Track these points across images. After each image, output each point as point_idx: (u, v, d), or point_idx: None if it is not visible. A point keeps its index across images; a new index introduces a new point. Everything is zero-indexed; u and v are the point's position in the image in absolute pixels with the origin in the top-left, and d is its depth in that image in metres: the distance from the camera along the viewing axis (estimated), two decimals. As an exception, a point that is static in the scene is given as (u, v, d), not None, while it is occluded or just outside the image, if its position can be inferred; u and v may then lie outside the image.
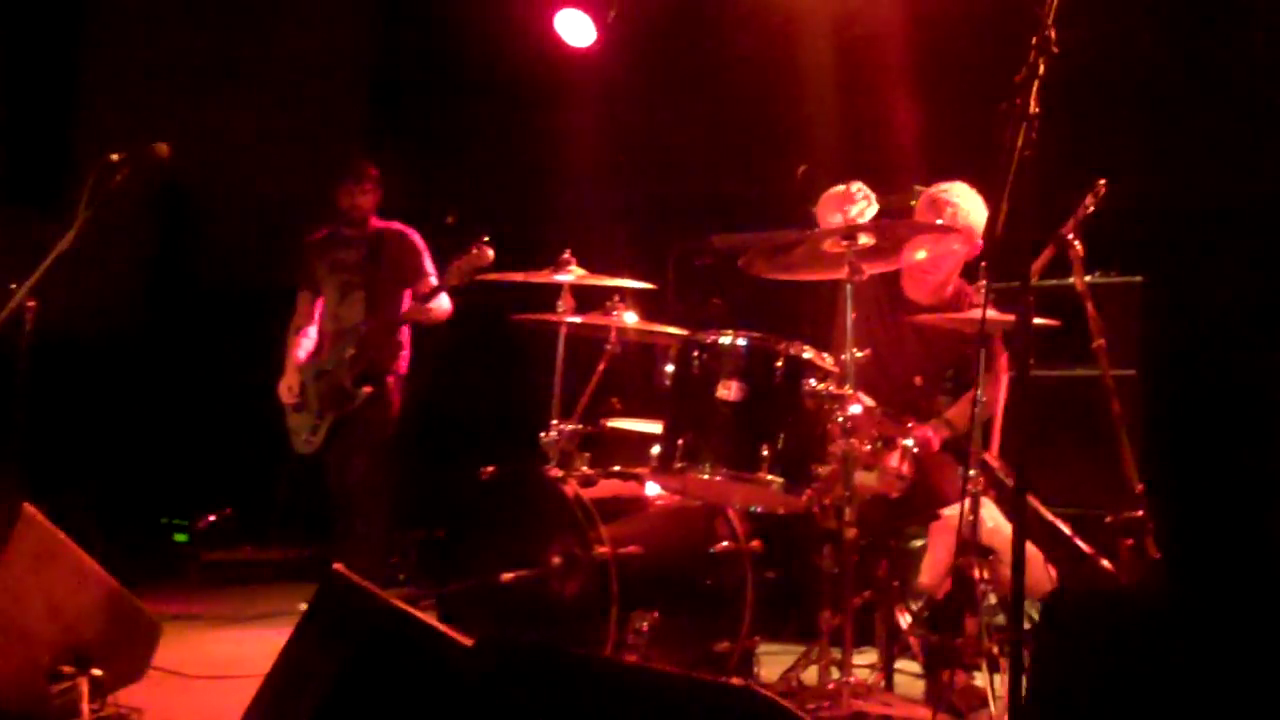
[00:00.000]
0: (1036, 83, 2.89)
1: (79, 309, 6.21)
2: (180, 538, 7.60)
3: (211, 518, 7.50)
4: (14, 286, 4.43)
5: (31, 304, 4.41)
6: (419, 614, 2.43)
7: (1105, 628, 2.55)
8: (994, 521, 4.20)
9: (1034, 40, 2.89)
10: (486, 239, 5.59)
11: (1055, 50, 2.89)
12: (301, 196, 7.11)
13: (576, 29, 7.47)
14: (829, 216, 4.59)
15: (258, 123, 8.36)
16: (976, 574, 3.96)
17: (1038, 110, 2.89)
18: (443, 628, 2.36)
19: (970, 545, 3.94)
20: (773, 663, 4.62)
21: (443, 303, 6.08)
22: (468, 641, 2.21)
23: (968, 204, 4.66)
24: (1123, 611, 2.64)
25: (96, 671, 3.53)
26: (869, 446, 4.03)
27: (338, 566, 2.77)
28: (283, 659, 2.70)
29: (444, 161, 8.06)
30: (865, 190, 4.52)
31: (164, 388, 8.02)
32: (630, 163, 7.55)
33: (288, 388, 6.14)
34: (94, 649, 3.63)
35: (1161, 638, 2.57)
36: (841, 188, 4.49)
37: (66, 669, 3.57)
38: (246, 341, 7.03)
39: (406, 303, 6.14)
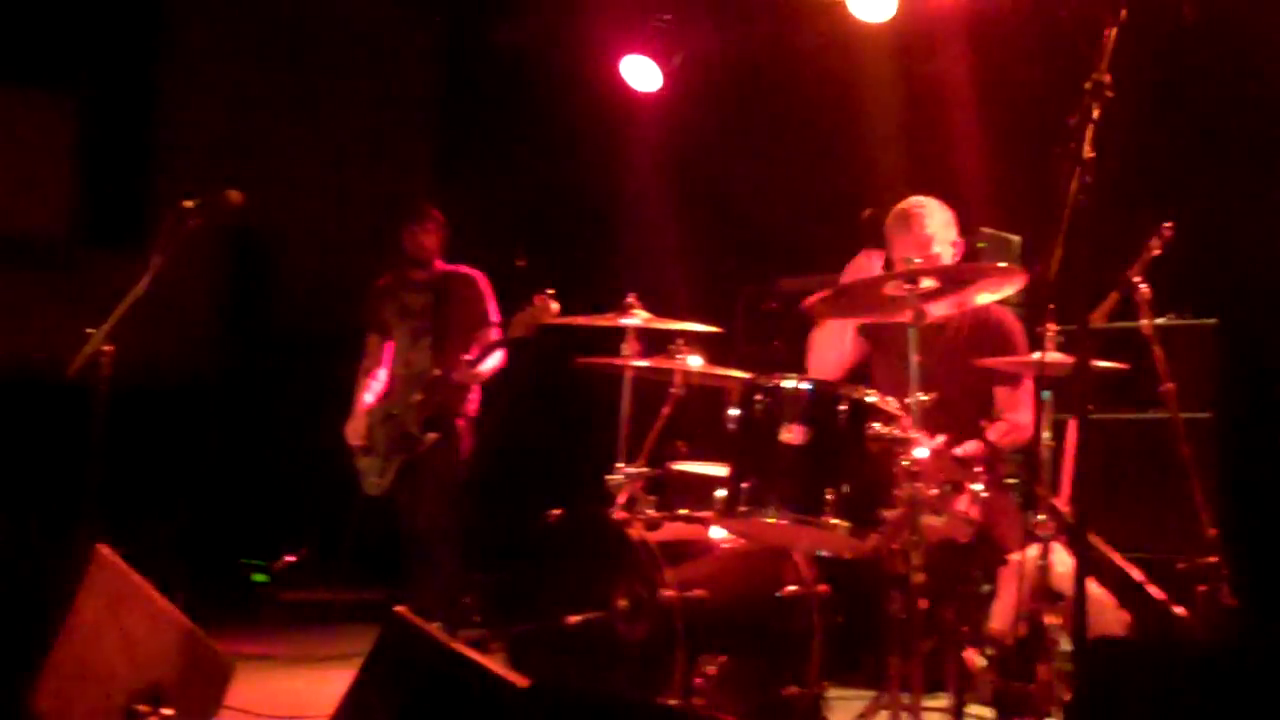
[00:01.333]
0: (1090, 126, 2.88)
1: (155, 353, 6.32)
2: (259, 578, 7.70)
3: (289, 558, 7.58)
4: (90, 331, 4.50)
5: (108, 349, 4.47)
6: (477, 656, 2.45)
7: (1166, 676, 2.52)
8: (1065, 567, 4.14)
9: (1087, 84, 2.88)
10: (551, 291, 5.61)
11: (1109, 94, 2.89)
12: (372, 239, 7.21)
13: (642, 74, 7.55)
14: (897, 238, 4.63)
15: (329, 167, 8.52)
16: (1048, 619, 3.92)
17: (1092, 154, 2.88)
18: (500, 671, 2.38)
19: (1041, 590, 3.91)
20: (843, 708, 4.58)
21: (492, 360, 6.07)
22: (522, 683, 2.23)
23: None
24: (1185, 660, 2.60)
25: (167, 711, 3.57)
26: (935, 490, 4.00)
27: (399, 609, 2.80)
28: (346, 701, 2.73)
29: (511, 205, 8.15)
30: (921, 203, 4.57)
31: (243, 430, 8.15)
32: (696, 207, 7.59)
33: (354, 431, 6.20)
34: (167, 688, 3.68)
35: (1232, 687, 2.53)
36: (903, 205, 4.55)
37: (141, 708, 3.62)
38: (322, 383, 7.12)
39: (474, 347, 6.16)
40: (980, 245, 6.11)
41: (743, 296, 6.97)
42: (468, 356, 6.01)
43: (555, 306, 5.59)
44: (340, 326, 7.07)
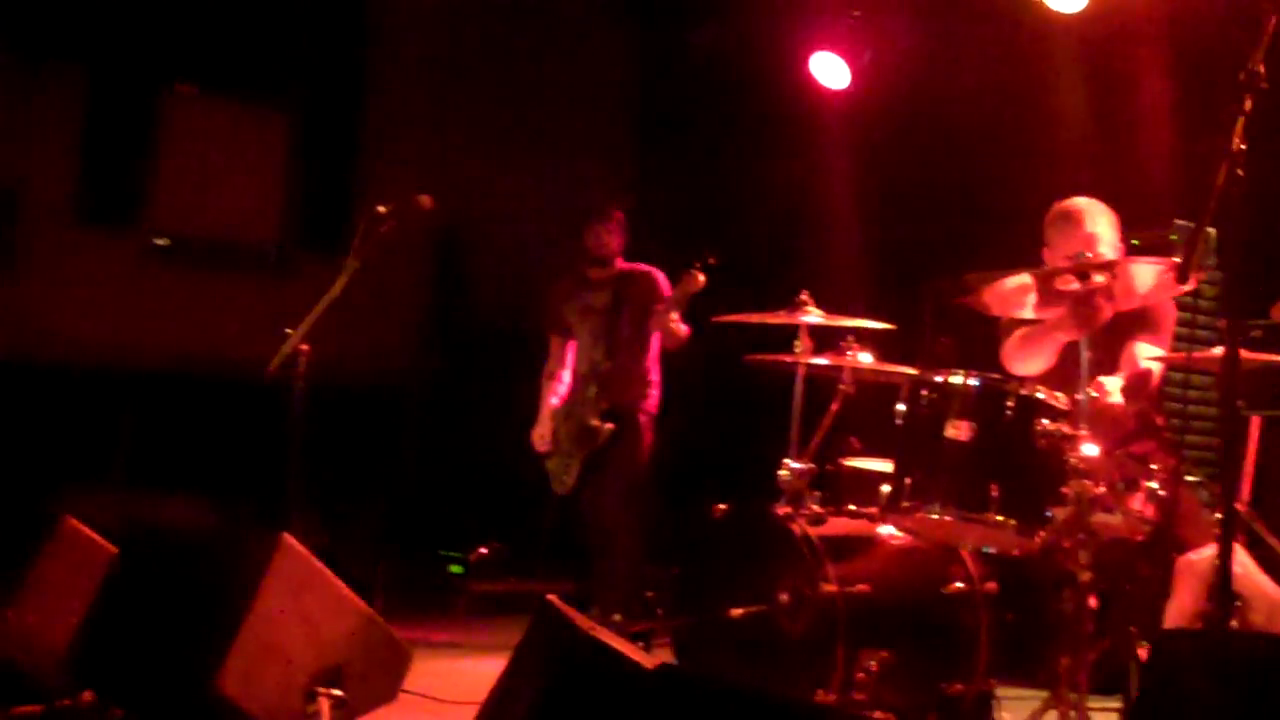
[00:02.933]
0: (1242, 119, 2.80)
1: (354, 353, 6.61)
2: (456, 569, 7.95)
3: (484, 551, 7.81)
4: (289, 332, 4.71)
5: (305, 349, 4.67)
6: (615, 643, 2.54)
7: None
8: (1243, 568, 4.02)
9: (1240, 75, 2.81)
10: (698, 264, 5.65)
11: (1265, 85, 2.80)
12: (567, 240, 7.38)
13: (831, 71, 7.54)
14: (1058, 238, 4.54)
15: (528, 170, 8.75)
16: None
17: (1244, 146, 2.80)
18: (636, 655, 2.46)
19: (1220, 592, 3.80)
20: (1014, 707, 4.52)
21: (677, 325, 5.99)
22: (649, 667, 2.31)
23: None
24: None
25: (337, 692, 3.75)
26: (1104, 488, 3.93)
27: (551, 598, 2.90)
28: (497, 686, 2.85)
29: (703, 203, 8.23)
30: (1083, 202, 4.47)
31: (441, 428, 8.43)
32: (884, 203, 7.55)
33: (540, 436, 6.33)
34: (347, 672, 3.86)
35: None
36: (1063, 204, 4.47)
37: (322, 691, 3.81)
38: (519, 381, 7.31)
39: (654, 344, 6.25)
40: (1173, 238, 5.95)
41: (929, 292, 6.91)
42: (661, 306, 6.00)
43: (702, 278, 5.62)
44: (537, 326, 7.27)
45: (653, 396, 6.30)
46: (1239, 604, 3.91)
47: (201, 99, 8.15)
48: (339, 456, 6.80)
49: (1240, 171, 2.77)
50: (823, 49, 7.57)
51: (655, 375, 6.35)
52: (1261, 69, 2.81)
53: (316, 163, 8.50)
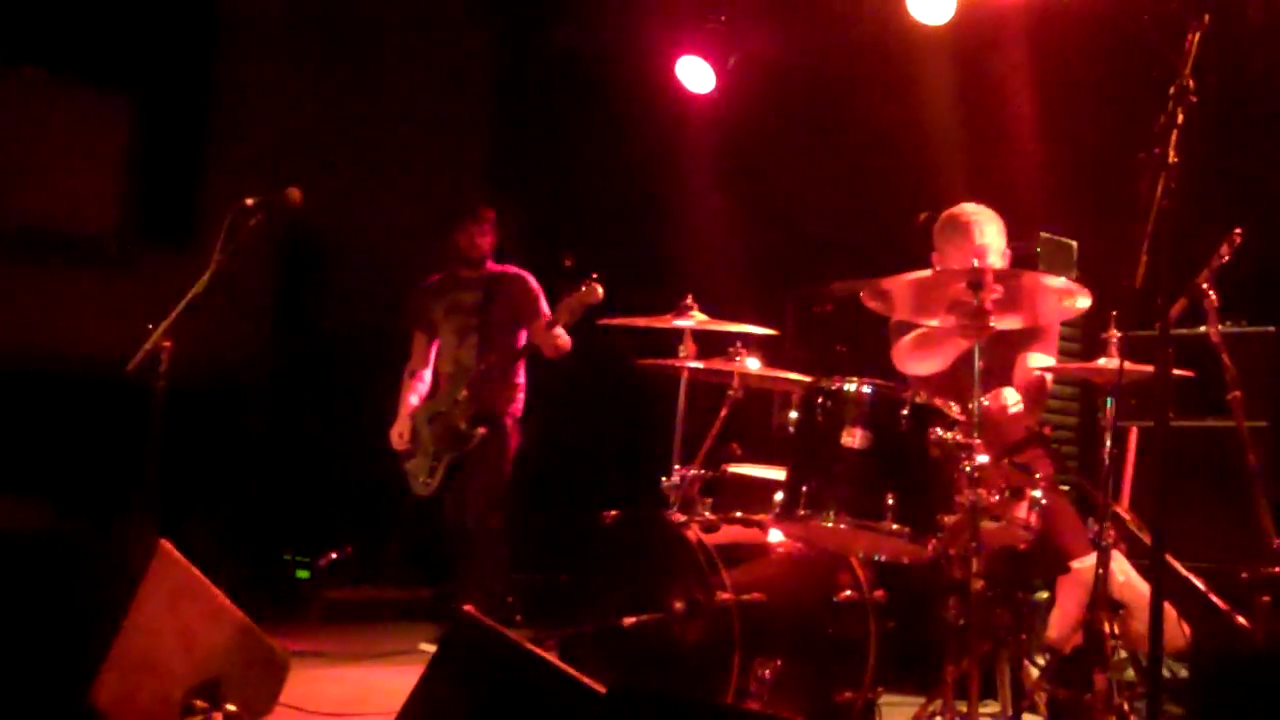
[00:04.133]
0: (1175, 132, 2.85)
1: (208, 351, 6.34)
2: (302, 574, 7.72)
3: (333, 556, 7.60)
4: (150, 327, 4.50)
5: (167, 345, 4.47)
6: (550, 658, 2.44)
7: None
8: (1125, 575, 4.11)
9: (1172, 89, 2.85)
10: (596, 276, 5.66)
11: (1194, 99, 2.85)
12: (422, 240, 7.23)
13: (697, 75, 7.54)
14: (948, 246, 4.59)
15: (383, 166, 8.54)
16: (1107, 629, 3.88)
17: (1176, 159, 2.85)
18: (574, 674, 2.37)
19: (1102, 600, 3.87)
20: (895, 714, 4.56)
21: (561, 338, 6.03)
22: (599, 689, 2.22)
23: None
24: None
25: (231, 707, 3.58)
26: (996, 497, 3.96)
27: (468, 607, 2.79)
28: (414, 700, 2.72)
29: (565, 206, 8.15)
30: (973, 210, 4.53)
31: (290, 428, 8.17)
32: (749, 209, 7.57)
33: (399, 434, 6.24)
34: (226, 683, 3.69)
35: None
36: (954, 211, 4.51)
37: (199, 704, 3.63)
38: (370, 382, 7.14)
39: (521, 346, 6.18)
40: (1038, 249, 6.07)
41: (794, 299, 6.94)
42: (537, 331, 5.98)
43: (600, 290, 5.63)
44: (391, 326, 7.10)
45: (519, 400, 6.24)
46: (1122, 612, 3.99)
47: (40, 80, 7.73)
48: (184, 458, 6.53)
49: (1174, 184, 2.80)
50: (688, 53, 7.57)
51: (522, 378, 6.31)
52: (1191, 83, 2.85)
53: (161, 151, 8.13)
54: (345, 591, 7.44)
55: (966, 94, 6.79)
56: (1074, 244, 6.19)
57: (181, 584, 3.65)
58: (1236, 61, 5.38)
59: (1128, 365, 3.82)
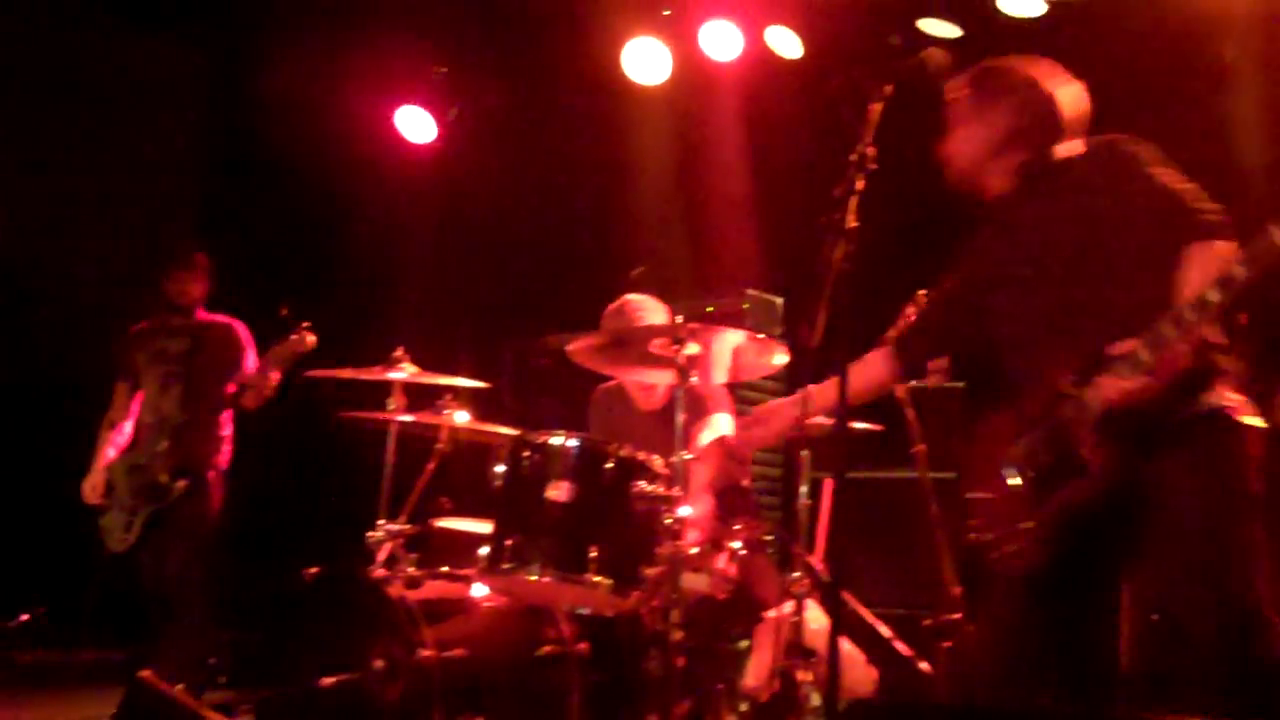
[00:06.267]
0: (854, 198, 2.98)
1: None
2: (-12, 637, 7.28)
3: (24, 617, 7.19)
4: None
5: None
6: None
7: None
8: (818, 623, 4.24)
9: (853, 157, 2.98)
10: (307, 325, 5.56)
11: (873, 166, 2.99)
12: (128, 288, 6.95)
13: (417, 126, 7.53)
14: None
15: (85, 211, 8.19)
16: (800, 676, 4.01)
17: (855, 224, 2.98)
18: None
19: (794, 647, 3.99)
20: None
21: (267, 387, 5.88)
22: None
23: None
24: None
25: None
26: (697, 549, 4.05)
27: (145, 674, 2.68)
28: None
29: (278, 256, 7.97)
30: (638, 300, 4.88)
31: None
32: (468, 261, 7.58)
33: (91, 487, 5.94)
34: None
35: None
36: (619, 303, 4.78)
37: None
38: (67, 433, 6.81)
39: (228, 397, 6.00)
40: (745, 306, 6.27)
41: (511, 352, 6.96)
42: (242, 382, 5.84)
43: (312, 339, 5.55)
44: (94, 375, 6.79)
45: (225, 452, 6.05)
46: (814, 659, 4.13)
47: None
48: None
49: (852, 248, 2.92)
50: (409, 103, 7.56)
51: (228, 430, 6.10)
52: (872, 151, 2.99)
53: None
54: (36, 654, 7.03)
55: (681, 152, 6.98)
56: (779, 300, 6.41)
57: None
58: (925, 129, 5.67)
59: (817, 421, 3.96)
